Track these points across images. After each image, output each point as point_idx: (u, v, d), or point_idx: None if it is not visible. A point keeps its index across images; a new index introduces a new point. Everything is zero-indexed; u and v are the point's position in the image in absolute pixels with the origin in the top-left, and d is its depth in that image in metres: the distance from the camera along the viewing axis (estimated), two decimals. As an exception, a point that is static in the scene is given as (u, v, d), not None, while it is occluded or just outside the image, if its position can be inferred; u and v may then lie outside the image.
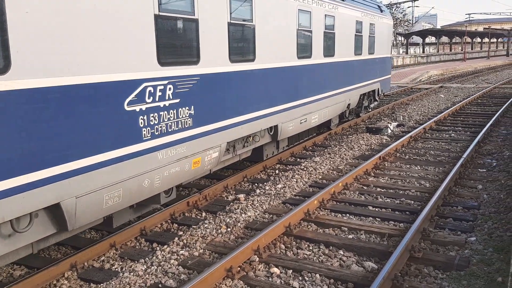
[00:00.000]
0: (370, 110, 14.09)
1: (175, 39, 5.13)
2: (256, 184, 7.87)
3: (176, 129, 5.23)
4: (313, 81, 8.98)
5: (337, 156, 9.69)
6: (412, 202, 6.84)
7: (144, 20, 4.71)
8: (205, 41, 5.64)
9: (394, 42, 61.74)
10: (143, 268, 4.94)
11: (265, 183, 7.73)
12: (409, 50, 61.00)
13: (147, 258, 5.19)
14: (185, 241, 5.56)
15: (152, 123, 4.89)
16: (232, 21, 6.16)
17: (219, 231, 5.87)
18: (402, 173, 8.31)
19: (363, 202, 6.88)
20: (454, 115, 14.54)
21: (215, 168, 6.75)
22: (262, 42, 6.94)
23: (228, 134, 6.30)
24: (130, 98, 4.56)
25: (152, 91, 4.85)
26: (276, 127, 7.75)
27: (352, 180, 7.84)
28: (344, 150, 10.21)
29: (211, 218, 6.33)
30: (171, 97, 5.14)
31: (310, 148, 10.63)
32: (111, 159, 4.43)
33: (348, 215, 6.49)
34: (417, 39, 76.27)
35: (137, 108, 4.67)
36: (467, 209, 6.48)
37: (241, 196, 7.06)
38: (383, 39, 13.86)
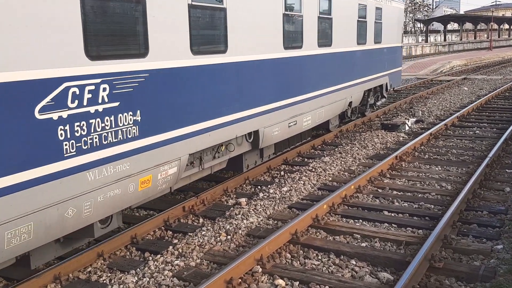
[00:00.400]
0: (377, 108, 13.96)
1: (112, 25, 4.27)
2: (259, 187, 7.84)
3: (114, 140, 4.43)
4: (305, 76, 8.36)
5: (349, 155, 9.63)
6: (432, 206, 6.82)
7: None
8: (155, 27, 4.75)
9: (413, 29, 61.41)
10: (134, 280, 4.89)
11: (269, 186, 7.71)
12: (429, 38, 60.62)
13: (138, 269, 5.15)
14: (180, 250, 5.53)
15: (78, 134, 4.10)
16: (194, 2, 5.35)
17: (218, 239, 5.85)
18: (421, 174, 8.29)
19: (378, 207, 6.86)
20: (479, 110, 14.42)
21: (178, 185, 6.15)
22: (237, 28, 6.10)
23: (190, 144, 5.57)
24: (43, 103, 3.78)
25: (77, 92, 4.04)
26: (256, 132, 7.15)
27: (366, 182, 7.81)
28: (356, 149, 10.14)
29: (209, 225, 6.31)
30: (106, 100, 4.30)
31: (319, 147, 10.56)
32: (13, 185, 3.61)
33: (361, 221, 6.46)
34: (438, 25, 75.81)
35: (55, 116, 3.89)
36: (493, 214, 6.45)
37: (243, 200, 7.03)
38: (393, 25, 13.21)
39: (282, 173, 8.61)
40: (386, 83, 13.45)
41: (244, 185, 7.98)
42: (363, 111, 12.87)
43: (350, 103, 11.05)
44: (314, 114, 8.96)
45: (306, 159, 9.59)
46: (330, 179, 8.25)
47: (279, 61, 7.39)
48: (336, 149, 10.14)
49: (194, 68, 5.44)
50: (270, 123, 7.38)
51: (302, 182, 7.95)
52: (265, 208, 6.82)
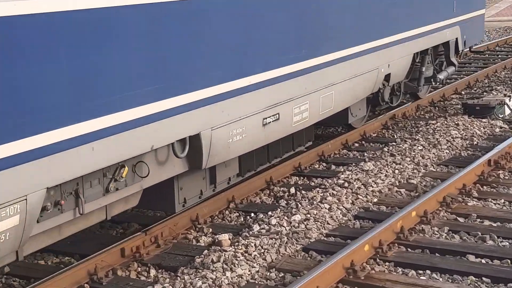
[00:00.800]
0: (439, 84, 13.48)
1: None
2: (252, 214, 7.82)
3: None
4: (294, 28, 8.14)
5: (408, 159, 9.51)
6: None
7: None
8: None
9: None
10: None
11: (269, 213, 7.63)
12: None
13: None
14: None
15: None
16: None
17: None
18: (532, 191, 8.54)
19: (458, 248, 6.80)
20: None
21: (30, 248, 5.67)
22: None
23: (46, 168, 5.12)
24: None
25: None
26: (196, 139, 6.81)
27: (437, 206, 7.76)
28: (420, 148, 10.05)
29: (167, 281, 6.25)
30: None
31: (355, 145, 10.60)
32: None
33: (428, 271, 6.33)
34: None
35: None
36: None
37: (224, 237, 6.95)
38: None
39: (293, 190, 8.46)
40: (456, 38, 13.08)
41: (227, 212, 7.95)
42: (415, 90, 12.58)
43: (387, 76, 10.73)
44: (316, 100, 8.67)
45: (333, 166, 9.49)
46: (376, 200, 8.14)
47: (231, 2, 7.14)
48: (385, 149, 10.03)
49: (28, 19, 4.88)
50: (224, 120, 7.05)
51: (327, 206, 7.79)
52: (263, 251, 6.71)
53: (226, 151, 7.22)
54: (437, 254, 6.56)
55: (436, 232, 7.08)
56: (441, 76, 12.84)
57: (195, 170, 7.29)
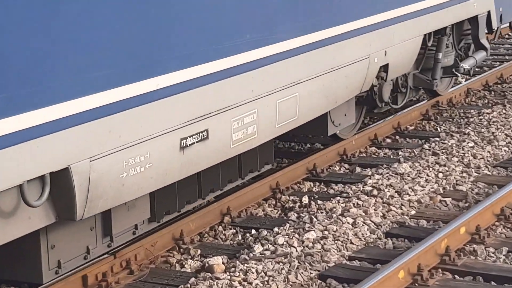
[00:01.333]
0: (462, 76, 13.06)
1: None
2: (253, 231, 7.73)
3: None
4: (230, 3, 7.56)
5: (455, 159, 9.40)
6: None
7: None
8: None
9: None
10: None
11: (275, 230, 7.56)
12: None
13: None
14: None
15: None
16: None
17: None
18: None
19: None
20: None
21: None
22: None
23: None
24: None
25: None
26: (65, 175, 6.25)
27: (492, 220, 7.64)
28: (471, 144, 9.98)
29: None
30: None
31: (388, 141, 10.49)
32: None
33: None
34: None
35: None
36: None
37: (217, 261, 6.90)
38: None
39: (306, 199, 8.29)
40: (488, 12, 12.34)
41: (220, 228, 7.83)
42: (428, 86, 11.79)
43: (384, 68, 9.99)
44: (269, 107, 7.93)
45: (358, 169, 9.39)
46: (413, 212, 7.98)
47: None
48: (426, 146, 9.92)
49: None
50: (113, 145, 6.43)
51: (350, 220, 7.69)
52: (267, 278, 6.57)
53: (118, 191, 6.44)
54: (493, 283, 6.38)
55: (491, 254, 6.90)
56: (466, 64, 11.99)
57: (69, 223, 6.58)
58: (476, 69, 14.32)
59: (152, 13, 6.69)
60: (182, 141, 6.90)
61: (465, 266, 6.64)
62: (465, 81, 13.41)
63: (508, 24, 14.02)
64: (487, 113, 11.26)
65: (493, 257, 6.85)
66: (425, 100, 12.27)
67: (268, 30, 7.88)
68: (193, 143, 7.05)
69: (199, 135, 7.10)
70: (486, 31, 12.49)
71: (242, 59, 7.52)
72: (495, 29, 12.71)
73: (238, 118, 7.54)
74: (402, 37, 10.25)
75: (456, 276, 6.52)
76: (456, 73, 12.00)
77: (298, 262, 6.76)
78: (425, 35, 10.82)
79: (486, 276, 6.49)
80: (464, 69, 11.91)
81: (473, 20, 12.01)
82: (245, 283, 6.42)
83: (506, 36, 18.20)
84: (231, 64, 7.37)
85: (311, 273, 6.62)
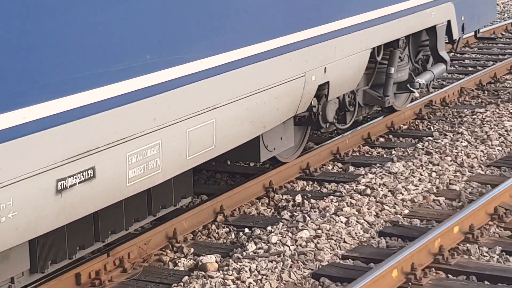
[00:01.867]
0: (421, 89, 12.01)
1: None
2: (246, 229, 7.73)
3: None
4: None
5: (448, 158, 9.42)
6: None
7: None
8: None
9: None
10: None
11: (269, 228, 7.57)
12: None
13: None
14: None
15: None
16: None
17: None
18: None
19: None
20: None
21: None
22: None
23: None
24: None
25: None
26: None
27: (486, 219, 7.62)
28: (464, 144, 9.99)
29: None
30: None
31: (381, 140, 10.51)
32: None
33: None
34: None
35: None
36: None
37: (210, 259, 6.91)
38: None
39: (299, 198, 8.31)
40: (448, 21, 11.67)
41: (214, 226, 7.82)
42: (379, 103, 10.97)
43: (323, 86, 9.14)
44: (177, 137, 7.10)
45: (351, 168, 9.37)
46: (406, 212, 7.99)
47: None
48: (419, 145, 9.93)
49: None
50: None
51: (343, 219, 7.69)
52: (260, 277, 6.58)
53: None
54: (486, 282, 6.38)
55: (485, 254, 6.91)
56: (422, 79, 11.23)
57: None
58: (470, 69, 14.30)
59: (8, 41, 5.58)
60: (59, 183, 5.92)
61: (458, 266, 6.65)
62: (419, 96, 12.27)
63: (473, 33, 13.27)
64: (481, 113, 11.28)
65: (486, 256, 6.87)
66: (418, 100, 12.00)
67: (174, 49, 6.97)
68: (75, 184, 6.06)
69: (82, 175, 6.12)
70: (450, 42, 12.06)
71: (138, 84, 6.57)
72: (457, 39, 12.18)
73: (136, 152, 6.56)
74: (345, 52, 9.45)
75: (449, 275, 6.54)
76: (411, 88, 11.13)
77: (292, 261, 6.78)
78: (373, 48, 10.10)
79: (479, 276, 6.50)
80: (419, 84, 11.16)
81: (431, 31, 11.48)
82: (238, 282, 6.43)
83: (500, 35, 17.98)
84: (123, 90, 6.41)
85: (304, 272, 6.64)
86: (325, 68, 9.00)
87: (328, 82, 9.08)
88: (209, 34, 7.33)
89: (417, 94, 11.84)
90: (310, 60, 8.72)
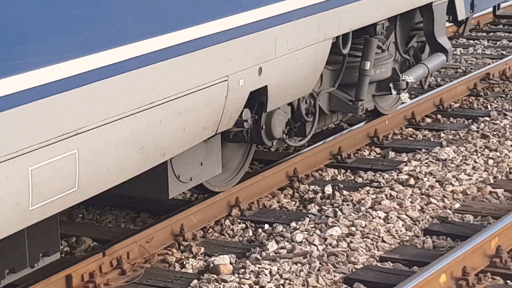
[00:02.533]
0: (407, 91, 11.14)
1: None
2: (266, 225, 7.70)
3: None
4: None
5: (507, 143, 9.25)
6: None
7: None
8: None
9: None
10: None
11: (292, 225, 7.50)
12: None
13: None
14: None
15: None
16: None
17: None
18: None
19: None
20: None
21: None
22: None
23: None
24: None
25: None
26: None
27: None
28: None
29: None
30: None
31: (428, 121, 10.27)
32: None
33: None
34: None
35: None
36: None
37: (224, 261, 6.89)
38: None
39: (329, 189, 8.24)
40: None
41: (228, 222, 7.76)
42: (351, 111, 9.82)
43: (262, 94, 8.27)
44: (10, 181, 5.73)
45: (391, 154, 9.25)
46: (458, 206, 7.80)
47: None
48: (473, 127, 9.78)
49: None
50: None
51: (382, 215, 7.59)
52: (283, 282, 6.52)
53: None
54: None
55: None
56: (411, 76, 9.67)
57: None
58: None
59: None
60: None
61: (521, 267, 6.70)
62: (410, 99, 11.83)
63: (491, 10, 12.59)
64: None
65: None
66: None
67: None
68: None
69: None
70: (451, 24, 11.04)
71: None
72: (465, 20, 10.84)
73: None
74: (290, 44, 8.01)
75: (508, 281, 6.34)
76: (394, 89, 9.62)
77: (320, 263, 6.66)
78: (336, 38, 8.66)
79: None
80: (407, 83, 9.57)
81: (426, 10, 9.95)
82: (257, 287, 6.35)
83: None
84: None
85: (335, 276, 6.51)
86: (260, 68, 7.64)
87: (266, 87, 7.77)
88: (69, 30, 5.60)
89: (406, 100, 10.76)
90: (235, 58, 7.34)
